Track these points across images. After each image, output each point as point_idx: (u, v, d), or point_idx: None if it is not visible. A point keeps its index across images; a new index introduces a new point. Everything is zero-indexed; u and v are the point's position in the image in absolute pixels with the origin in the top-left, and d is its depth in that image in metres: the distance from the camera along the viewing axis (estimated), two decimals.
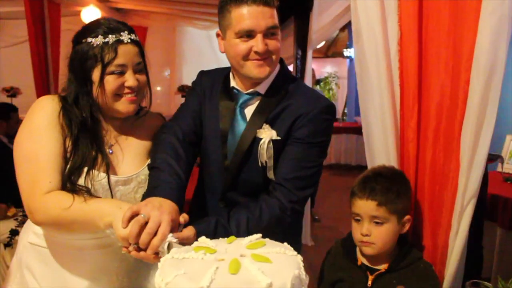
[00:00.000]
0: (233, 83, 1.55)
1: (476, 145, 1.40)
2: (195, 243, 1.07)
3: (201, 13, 8.59)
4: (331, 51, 11.68)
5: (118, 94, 1.42)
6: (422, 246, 1.63)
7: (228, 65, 1.58)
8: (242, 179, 1.50)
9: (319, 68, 11.10)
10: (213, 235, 1.25)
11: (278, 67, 1.54)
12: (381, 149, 1.67)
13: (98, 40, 1.37)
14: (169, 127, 1.55)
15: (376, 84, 1.61)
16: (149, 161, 1.51)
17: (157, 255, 1.14)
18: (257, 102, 1.52)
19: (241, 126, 1.51)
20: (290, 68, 5.69)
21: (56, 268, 1.46)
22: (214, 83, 1.62)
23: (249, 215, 1.36)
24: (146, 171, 1.47)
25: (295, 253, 1.00)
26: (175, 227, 1.20)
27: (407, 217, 1.48)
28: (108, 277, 1.48)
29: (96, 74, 1.40)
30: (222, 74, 1.62)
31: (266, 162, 1.45)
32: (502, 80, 1.32)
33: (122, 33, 1.39)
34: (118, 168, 1.48)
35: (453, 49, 1.44)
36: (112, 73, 1.38)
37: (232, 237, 1.08)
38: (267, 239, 1.07)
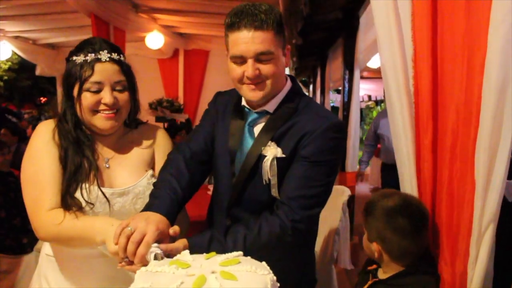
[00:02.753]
0: (243, 102, 1.58)
1: (492, 165, 1.30)
2: (174, 257, 1.09)
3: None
4: None
5: (95, 110, 1.49)
6: (440, 275, 1.52)
7: None
8: (247, 197, 1.50)
9: (379, 89, 10.85)
10: (207, 249, 1.25)
11: (288, 85, 1.55)
12: (403, 170, 1.60)
13: (80, 59, 1.47)
14: (178, 147, 1.62)
15: (397, 103, 1.56)
16: (147, 172, 1.57)
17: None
18: (266, 121, 1.53)
19: (249, 144, 1.53)
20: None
21: (69, 278, 1.53)
22: (228, 103, 1.65)
23: (247, 231, 1.35)
24: (144, 183, 1.54)
25: (267, 272, 0.97)
26: (164, 239, 1.23)
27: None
28: (118, 286, 1.52)
29: (75, 90, 1.48)
30: (236, 94, 1.64)
31: (269, 180, 1.45)
32: None
33: (101, 52, 1.47)
34: (116, 180, 1.54)
35: (467, 64, 1.36)
36: (88, 90, 1.46)
37: (212, 253, 1.08)
38: (247, 258, 1.06)
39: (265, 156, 1.46)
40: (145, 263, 1.17)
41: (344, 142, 1.50)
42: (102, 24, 5.55)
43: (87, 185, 1.47)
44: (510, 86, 1.23)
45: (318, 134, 1.43)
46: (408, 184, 1.59)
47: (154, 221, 1.25)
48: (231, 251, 1.28)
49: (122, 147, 1.62)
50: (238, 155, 1.54)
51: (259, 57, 1.40)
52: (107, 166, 1.56)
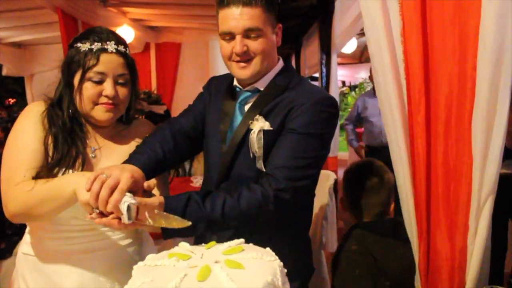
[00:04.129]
0: (235, 82, 1.57)
1: (489, 136, 1.29)
2: (172, 249, 1.03)
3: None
4: (365, 56, 11.48)
5: (94, 102, 1.45)
6: (439, 251, 1.50)
7: None
8: (235, 172, 1.48)
9: (353, 74, 10.90)
10: (182, 210, 1.24)
11: (280, 64, 1.53)
12: (393, 147, 1.57)
13: (85, 46, 1.42)
14: (167, 121, 1.62)
15: (381, 80, 1.52)
16: None
17: (120, 220, 1.15)
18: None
19: (239, 122, 1.50)
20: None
21: (48, 276, 1.48)
22: (221, 86, 1.65)
23: (226, 196, 1.32)
24: None
25: (274, 258, 0.93)
26: (138, 190, 1.23)
27: None
28: (99, 283, 1.47)
29: (77, 78, 1.44)
30: (230, 77, 1.64)
31: (256, 152, 1.42)
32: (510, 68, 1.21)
33: (108, 42, 1.43)
34: None
35: (458, 34, 1.34)
36: (91, 79, 1.42)
37: (212, 243, 1.03)
38: (250, 245, 1.01)
39: (252, 129, 1.43)
40: (117, 214, 1.15)
41: (336, 119, 1.48)
42: (70, 20, 5.39)
43: (69, 171, 1.43)
44: (506, 53, 1.21)
45: (307, 107, 1.41)
46: (399, 163, 1.56)
47: (129, 170, 1.25)
48: (208, 214, 1.25)
49: (112, 139, 1.60)
50: (229, 133, 1.51)
51: (247, 33, 1.42)
52: (93, 156, 1.52)
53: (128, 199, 1.17)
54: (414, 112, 1.48)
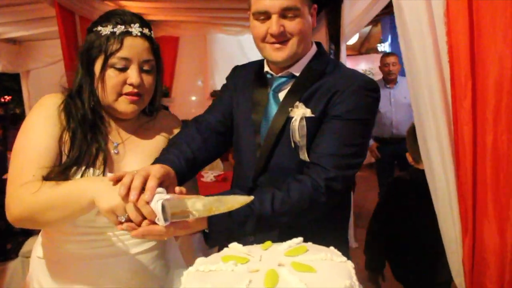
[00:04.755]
0: (266, 68, 1.47)
1: None
2: (224, 251, 0.93)
3: (230, 19, 8.58)
4: (365, 47, 11.40)
5: (118, 92, 1.33)
6: (487, 245, 1.42)
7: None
8: (274, 165, 1.37)
9: (353, 66, 10.79)
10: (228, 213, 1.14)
11: (314, 49, 1.43)
12: (432, 134, 1.48)
13: (106, 30, 1.30)
14: (193, 119, 1.50)
15: (422, 62, 1.43)
16: None
17: (154, 224, 1.04)
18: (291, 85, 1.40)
19: (274, 111, 1.40)
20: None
21: (64, 281, 1.36)
22: (248, 74, 1.57)
23: (274, 190, 1.22)
24: None
25: (344, 258, 0.83)
26: (170, 186, 1.14)
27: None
28: None
29: (98, 66, 1.32)
30: (256, 64, 1.57)
31: (299, 142, 1.32)
32: None
33: (132, 25, 1.30)
34: (124, 168, 1.37)
35: (511, 12, 1.24)
36: (114, 66, 1.30)
37: (268, 243, 0.93)
38: (309, 244, 0.92)
39: (293, 117, 1.33)
40: (151, 217, 1.02)
41: (378, 104, 1.38)
42: (67, 14, 5.27)
43: (90, 171, 1.29)
44: None
45: (350, 92, 1.31)
46: (439, 152, 1.47)
47: (155, 168, 1.15)
48: (258, 210, 1.16)
49: (135, 133, 1.47)
50: (264, 124, 1.41)
51: (284, 13, 1.32)
52: (116, 151, 1.40)
53: (161, 196, 1.03)
54: (460, 97, 1.39)
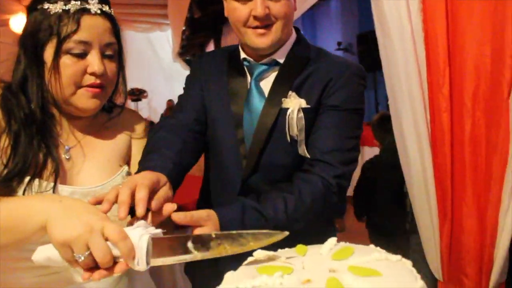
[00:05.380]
0: (243, 55, 1.32)
1: None
2: (257, 264, 0.79)
3: (140, 15, 8.19)
4: None
5: (76, 84, 1.08)
6: (466, 229, 1.44)
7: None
8: (266, 162, 1.24)
9: None
10: (241, 222, 1.02)
11: (294, 35, 1.32)
12: (409, 122, 1.47)
13: (56, 7, 1.04)
14: (161, 122, 1.30)
15: (400, 50, 1.41)
16: (122, 168, 1.22)
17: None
18: (274, 73, 1.29)
19: (258, 101, 1.27)
20: None
21: None
22: (218, 62, 1.39)
23: (285, 195, 1.10)
24: (118, 181, 1.15)
25: (399, 257, 0.76)
26: (165, 200, 0.93)
27: None
28: None
29: (49, 52, 1.06)
30: (226, 51, 1.41)
31: (296, 136, 1.21)
32: None
33: (89, 1, 1.07)
34: (77, 176, 1.12)
35: (494, 2, 1.26)
36: (70, 52, 1.06)
37: (301, 246, 0.81)
38: (353, 244, 0.82)
39: (287, 109, 1.21)
40: (128, 254, 0.76)
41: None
42: None
43: (36, 182, 1.05)
44: None
45: (345, 80, 1.23)
46: (416, 139, 1.47)
47: (146, 172, 0.98)
48: (272, 219, 1.05)
49: (90, 134, 1.20)
50: (247, 116, 1.27)
51: None
52: (67, 157, 1.14)
53: (145, 230, 0.78)
54: (438, 83, 1.39)
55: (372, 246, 0.80)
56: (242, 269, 0.77)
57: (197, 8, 4.55)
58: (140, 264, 0.76)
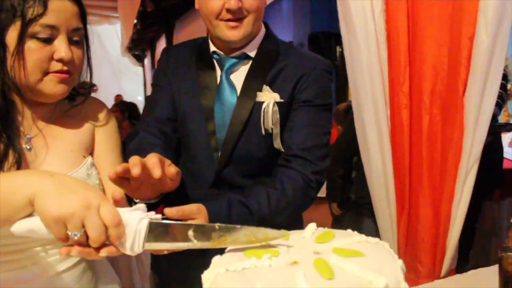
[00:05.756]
0: (213, 48, 1.32)
1: (481, 103, 1.33)
2: (242, 247, 0.80)
3: (88, 7, 7.88)
4: None
5: (43, 70, 1.03)
6: (422, 220, 1.53)
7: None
8: (240, 154, 1.26)
9: None
10: (227, 216, 1.05)
11: (263, 29, 1.34)
12: (371, 119, 1.54)
13: None
14: (140, 125, 1.30)
15: (363, 47, 1.47)
16: (86, 159, 1.19)
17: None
18: (245, 67, 1.31)
19: (229, 94, 1.29)
20: None
21: None
22: (185, 55, 1.39)
23: (268, 189, 1.14)
24: (82, 173, 1.10)
25: (377, 239, 0.80)
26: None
27: None
28: None
29: (12, 36, 1.00)
30: (194, 44, 1.40)
31: (271, 129, 1.24)
32: (509, 34, 1.26)
33: None
34: (40, 168, 1.06)
35: (451, 5, 1.35)
36: (36, 36, 1.00)
37: (284, 231, 0.84)
38: (332, 229, 0.86)
39: (262, 102, 1.24)
40: (119, 237, 0.73)
41: None
42: None
43: None
44: (505, 22, 1.25)
45: (316, 75, 1.27)
46: (375, 135, 1.54)
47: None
48: (257, 212, 1.09)
49: (53, 123, 1.14)
50: (218, 109, 1.28)
51: None
52: (28, 147, 1.08)
53: (144, 213, 0.76)
54: (398, 82, 1.47)
55: (349, 230, 0.84)
56: (229, 253, 0.78)
57: (150, 1, 4.46)
58: (136, 248, 0.74)
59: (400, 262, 0.71)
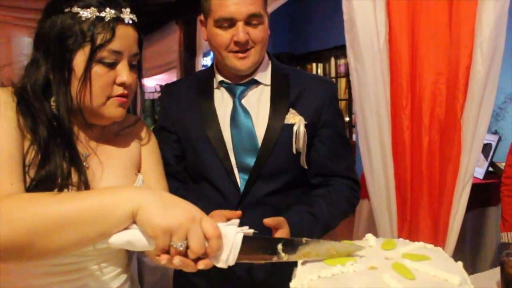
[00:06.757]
0: (220, 78, 1.41)
1: (476, 125, 1.51)
2: (320, 255, 0.89)
3: (37, 21, 7.69)
4: None
5: (107, 94, 1.07)
6: (421, 228, 1.68)
7: None
8: (267, 174, 1.36)
9: (171, 78, 10.86)
10: (301, 225, 1.21)
11: (266, 56, 1.46)
12: (375, 139, 1.69)
13: (89, 13, 1.02)
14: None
15: (370, 74, 1.62)
16: (138, 177, 1.25)
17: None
18: (253, 92, 1.41)
19: (244, 118, 1.38)
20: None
21: None
22: (186, 89, 1.46)
23: (325, 198, 1.33)
24: None
25: (432, 245, 0.92)
26: None
27: None
28: None
29: (79, 60, 1.04)
30: (195, 78, 1.51)
31: (300, 148, 1.37)
32: (501, 62, 1.46)
33: (123, 10, 1.06)
34: (99, 186, 1.12)
35: (449, 39, 1.53)
36: (102, 61, 1.04)
37: (349, 241, 0.94)
38: (393, 239, 0.97)
39: (290, 124, 1.36)
40: (215, 250, 0.79)
41: None
42: None
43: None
44: (498, 51, 1.44)
45: (333, 98, 1.45)
46: (379, 154, 1.68)
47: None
48: (321, 219, 1.26)
49: (104, 143, 1.19)
50: (235, 134, 1.37)
51: (249, 20, 1.29)
52: (86, 165, 1.13)
53: (239, 228, 0.81)
54: (401, 105, 1.63)
55: (406, 240, 0.96)
56: (309, 264, 0.87)
57: None
58: (230, 260, 0.80)
59: (460, 264, 0.84)
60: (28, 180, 0.98)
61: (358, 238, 2.40)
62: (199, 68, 4.29)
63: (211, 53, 9.19)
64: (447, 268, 0.80)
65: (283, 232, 1.14)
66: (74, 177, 1.04)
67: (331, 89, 1.44)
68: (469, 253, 2.94)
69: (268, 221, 1.10)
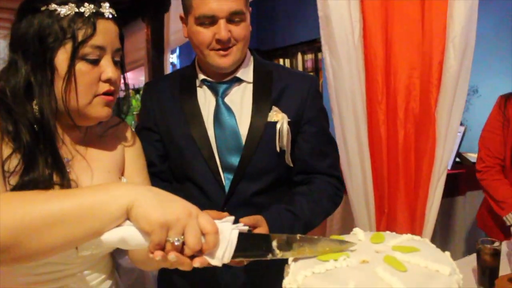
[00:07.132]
0: (202, 76, 1.39)
1: (450, 117, 1.56)
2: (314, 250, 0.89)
3: (7, 20, 7.41)
4: None
5: (93, 92, 1.02)
6: (399, 219, 1.72)
7: None
8: (252, 172, 1.34)
9: (137, 77, 10.65)
10: (280, 223, 1.19)
11: (248, 53, 1.44)
12: (352, 134, 1.70)
13: (67, 9, 0.98)
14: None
15: (346, 70, 1.64)
16: (122, 180, 1.21)
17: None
18: (236, 89, 1.39)
19: (227, 117, 1.36)
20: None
21: None
22: (168, 87, 1.43)
23: (306, 197, 1.30)
24: None
25: (419, 237, 0.94)
26: None
27: None
28: None
29: (61, 58, 1.00)
30: (176, 75, 1.46)
31: (284, 146, 1.35)
32: (472, 56, 1.50)
33: (102, 4, 1.00)
34: None
35: (422, 35, 1.57)
36: (86, 58, 1.00)
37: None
38: (381, 232, 0.98)
39: (273, 122, 1.34)
40: (212, 246, 0.77)
41: None
42: None
43: None
44: (469, 47, 1.49)
45: (315, 94, 1.42)
46: (356, 149, 1.71)
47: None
48: (301, 217, 1.25)
49: (87, 145, 1.14)
50: (218, 133, 1.35)
51: (231, 17, 1.27)
52: (68, 170, 1.08)
53: (234, 225, 0.81)
54: (377, 100, 1.66)
55: (393, 232, 0.98)
56: (301, 261, 0.87)
57: None
58: (225, 258, 0.79)
59: (448, 254, 0.86)
60: (8, 187, 0.94)
61: (332, 231, 2.44)
62: (167, 65, 4.23)
63: (177, 50, 9.13)
64: (436, 259, 0.82)
65: (261, 230, 1.11)
66: (57, 183, 1.01)
67: (313, 85, 1.42)
68: (439, 243, 3.02)
69: (245, 219, 1.06)
